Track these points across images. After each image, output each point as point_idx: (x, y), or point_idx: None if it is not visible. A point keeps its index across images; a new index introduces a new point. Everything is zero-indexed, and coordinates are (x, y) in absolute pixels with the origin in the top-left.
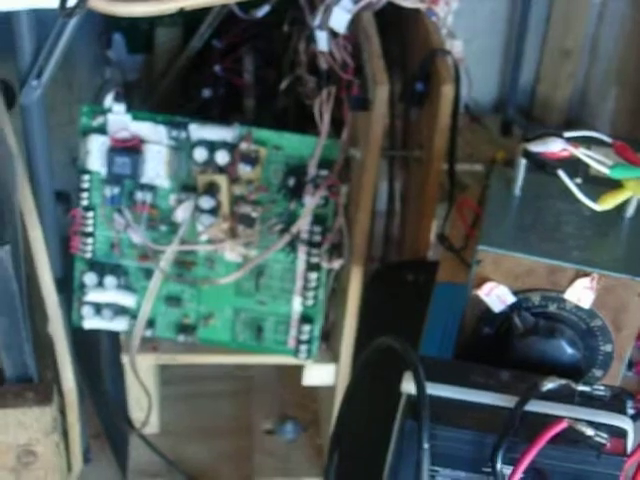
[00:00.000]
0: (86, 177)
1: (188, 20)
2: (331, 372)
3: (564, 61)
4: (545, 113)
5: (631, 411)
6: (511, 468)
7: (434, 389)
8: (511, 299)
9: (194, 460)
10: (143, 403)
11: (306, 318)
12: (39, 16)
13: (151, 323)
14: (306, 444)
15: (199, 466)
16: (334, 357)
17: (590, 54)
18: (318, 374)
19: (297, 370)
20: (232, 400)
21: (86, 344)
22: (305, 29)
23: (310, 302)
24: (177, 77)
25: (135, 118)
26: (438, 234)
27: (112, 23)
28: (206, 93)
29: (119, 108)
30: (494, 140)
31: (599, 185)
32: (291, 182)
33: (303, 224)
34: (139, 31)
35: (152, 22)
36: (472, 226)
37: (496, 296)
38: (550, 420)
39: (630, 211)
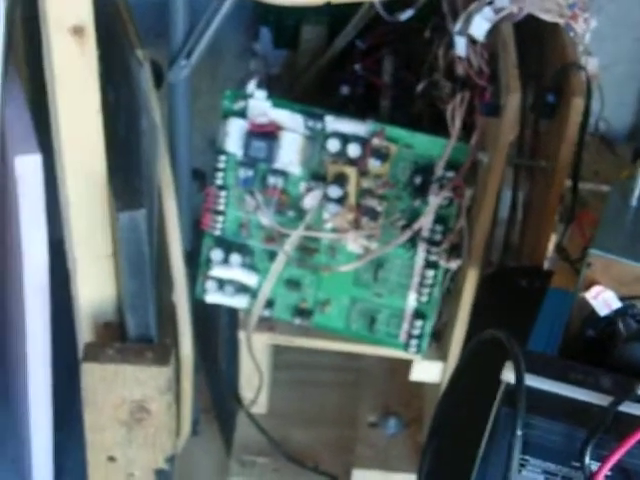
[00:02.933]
0: (222, 157)
1: (334, 19)
2: (439, 369)
3: None
4: None
5: None
6: (599, 464)
7: (533, 380)
8: (617, 304)
9: (297, 444)
10: (254, 382)
11: (419, 314)
12: (192, 1)
13: (270, 304)
14: (407, 440)
15: (301, 450)
16: (443, 355)
17: None
18: (426, 370)
19: (405, 367)
20: (339, 390)
21: (205, 320)
22: (446, 35)
23: (425, 298)
24: (319, 74)
25: (275, 105)
26: (556, 245)
27: (260, 17)
28: (345, 90)
29: (260, 94)
30: (624, 166)
31: None
32: (418, 180)
33: (425, 222)
34: (286, 27)
35: (299, 19)
36: (590, 240)
37: (603, 300)
38: None
39: None
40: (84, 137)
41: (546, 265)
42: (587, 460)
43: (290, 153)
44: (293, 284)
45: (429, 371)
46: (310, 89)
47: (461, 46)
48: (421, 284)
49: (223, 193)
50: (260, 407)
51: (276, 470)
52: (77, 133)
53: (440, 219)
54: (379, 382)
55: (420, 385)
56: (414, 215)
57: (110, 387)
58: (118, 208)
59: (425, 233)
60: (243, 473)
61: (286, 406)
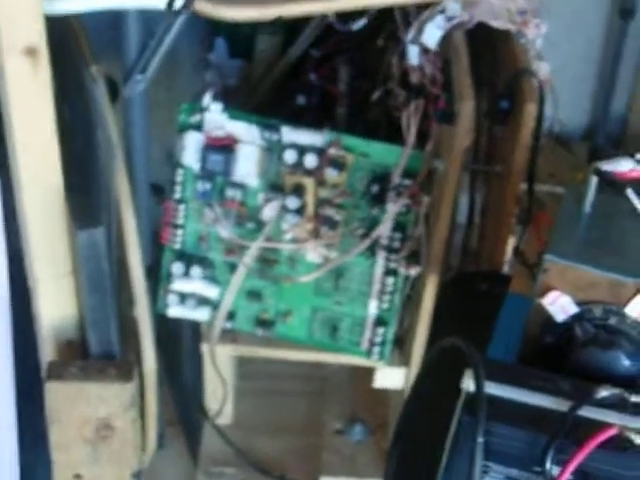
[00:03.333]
0: (180, 171)
1: (288, 29)
2: (402, 376)
3: None
4: (636, 143)
5: None
6: (560, 469)
7: (493, 388)
8: (574, 309)
9: (264, 453)
10: (219, 393)
11: (381, 321)
12: (145, 15)
13: (232, 315)
14: (373, 446)
15: (268, 459)
16: (405, 361)
17: None
18: (389, 377)
19: (369, 373)
20: (305, 399)
21: (167, 333)
22: (399, 44)
23: (386, 306)
24: (274, 83)
25: (231, 117)
26: (514, 248)
27: (215, 28)
28: (300, 100)
29: (216, 107)
30: (580, 166)
31: None
32: (375, 189)
33: (384, 230)
34: (240, 37)
35: (253, 29)
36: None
37: (559, 306)
38: (601, 426)
39: None
40: (40, 156)
41: (505, 269)
42: (548, 465)
43: (247, 165)
44: (254, 295)
45: (392, 378)
46: (266, 99)
47: (414, 55)
48: (381, 291)
49: (182, 206)
50: (226, 418)
51: None
52: (33, 152)
53: (398, 227)
54: (344, 390)
55: (384, 392)
56: (372, 223)
57: (74, 405)
58: (76, 226)
59: (384, 241)
60: None
61: (252, 416)
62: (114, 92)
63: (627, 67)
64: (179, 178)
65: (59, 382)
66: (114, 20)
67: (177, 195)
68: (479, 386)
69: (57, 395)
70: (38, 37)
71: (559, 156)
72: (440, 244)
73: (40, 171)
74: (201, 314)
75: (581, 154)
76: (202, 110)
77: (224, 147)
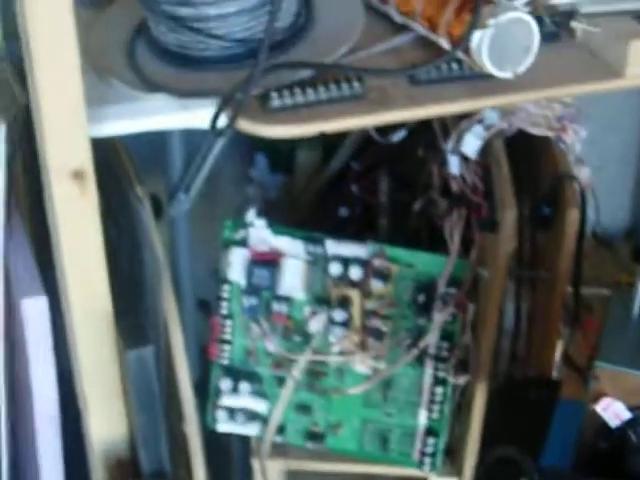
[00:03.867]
0: (226, 287)
1: (328, 143)
2: None
3: None
4: None
5: None
6: None
7: None
8: (627, 415)
9: None
10: None
11: (431, 431)
12: (189, 134)
13: (281, 429)
14: None
15: None
16: (457, 471)
17: None
18: None
19: None
20: None
21: (217, 448)
22: (438, 153)
23: (436, 415)
24: (316, 196)
25: (275, 232)
26: (562, 353)
27: (256, 143)
28: (343, 212)
29: (260, 223)
30: (624, 265)
31: None
32: (421, 298)
33: (431, 339)
34: (281, 152)
35: (293, 143)
36: (595, 347)
37: (612, 411)
38: None
39: None
40: (88, 277)
41: (554, 374)
42: None
43: (293, 279)
44: (303, 408)
45: None
46: (308, 212)
47: (454, 164)
48: (431, 401)
49: (228, 322)
50: None
51: None
52: (81, 274)
53: (445, 335)
54: None
55: None
56: (419, 333)
57: None
58: (125, 346)
59: (431, 350)
60: None
61: None
62: (158, 209)
63: None
64: (225, 294)
65: None
66: (158, 139)
67: (224, 311)
68: None
69: None
70: (85, 160)
71: (601, 257)
72: (487, 351)
73: (88, 292)
74: (251, 429)
75: (624, 254)
76: (246, 226)
77: (269, 262)
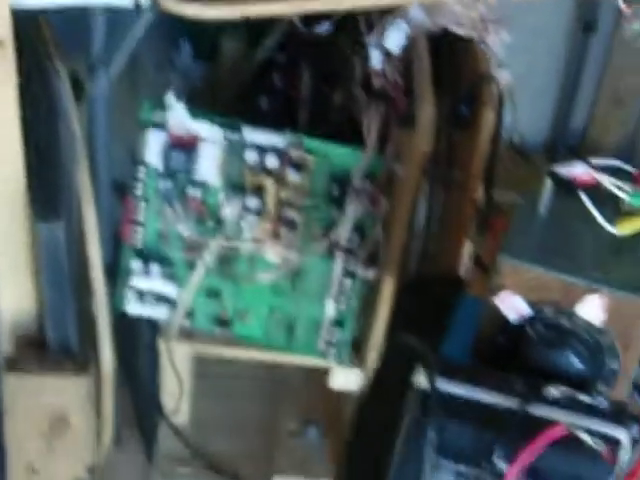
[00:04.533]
0: (142, 169)
1: (253, 32)
2: (357, 377)
3: (617, 107)
4: (596, 155)
5: (636, 435)
6: (508, 466)
7: (444, 385)
8: (526, 310)
9: (218, 453)
10: (175, 392)
11: (338, 322)
12: (113, 13)
13: (190, 314)
14: (327, 448)
15: (223, 459)
16: (361, 363)
17: None
18: (344, 378)
19: (325, 375)
20: (260, 400)
21: (127, 331)
22: (362, 48)
23: (343, 307)
24: (239, 86)
25: (193, 117)
26: (471, 253)
27: (179, 30)
28: (264, 103)
29: (179, 106)
30: (540, 177)
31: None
32: (335, 191)
33: (343, 232)
34: (205, 39)
35: (218, 32)
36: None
37: (512, 306)
38: (550, 424)
39: None
40: (2, 148)
41: (462, 273)
42: (496, 461)
43: (209, 164)
44: (213, 294)
45: (347, 379)
46: (230, 102)
47: (376, 59)
48: (339, 293)
49: (143, 204)
50: (182, 416)
51: (198, 479)
52: None
53: (357, 229)
54: (299, 391)
55: (340, 393)
56: (332, 225)
57: (30, 398)
58: (37, 220)
59: (342, 243)
60: None
61: (208, 416)
62: (80, 89)
63: (588, 80)
64: (141, 176)
65: (16, 375)
66: (81, 17)
67: (139, 192)
68: (431, 383)
69: (13, 388)
70: (5, 29)
71: (519, 167)
72: (398, 247)
73: (2, 164)
74: (160, 312)
75: (542, 166)
76: (165, 108)
77: (186, 146)
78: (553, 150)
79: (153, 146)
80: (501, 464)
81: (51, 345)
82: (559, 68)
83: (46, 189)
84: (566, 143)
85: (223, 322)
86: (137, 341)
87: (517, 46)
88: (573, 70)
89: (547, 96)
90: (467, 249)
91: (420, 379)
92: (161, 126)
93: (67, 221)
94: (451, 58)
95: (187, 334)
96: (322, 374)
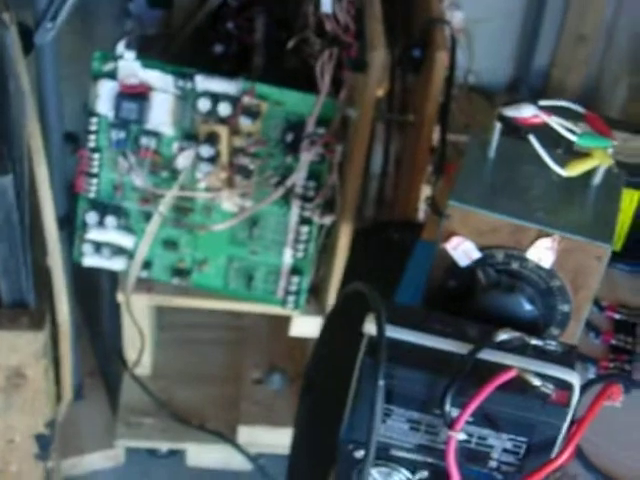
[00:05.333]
0: (94, 120)
1: None
2: (317, 324)
3: (579, 46)
4: (557, 96)
5: (592, 376)
6: (459, 411)
7: (394, 332)
8: (476, 254)
9: (183, 403)
10: (137, 344)
11: (296, 270)
12: None
13: (148, 265)
14: (292, 395)
15: (187, 409)
16: (321, 310)
17: (605, 41)
18: (305, 325)
19: (287, 323)
20: (224, 349)
21: (87, 284)
22: None
23: (300, 255)
24: (193, 33)
25: (145, 66)
26: (426, 197)
27: None
28: (218, 49)
29: (129, 55)
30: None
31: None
32: (289, 137)
33: (298, 178)
34: None
35: None
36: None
37: (462, 251)
38: (500, 368)
39: (597, 179)
40: None
41: (420, 218)
42: (447, 407)
43: (161, 114)
44: (170, 244)
45: (308, 326)
46: (185, 49)
47: (327, 3)
48: (296, 240)
49: (96, 155)
50: (144, 368)
51: (163, 430)
52: None
53: (312, 175)
54: (263, 339)
55: (303, 340)
56: (287, 172)
57: None
58: None
59: (298, 190)
60: (130, 434)
61: (171, 366)
62: (29, 43)
63: (550, 21)
64: (93, 127)
65: None
66: None
67: (91, 144)
68: (380, 329)
69: None
70: None
71: (479, 108)
72: (353, 193)
73: None
74: (117, 263)
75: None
76: (115, 58)
77: (138, 95)
78: (516, 91)
79: (104, 96)
80: (453, 410)
81: (5, 300)
82: (521, 7)
83: None
84: (529, 84)
85: (181, 272)
86: (98, 295)
87: None
88: (534, 9)
89: (509, 36)
90: (423, 193)
91: (369, 326)
92: (112, 75)
93: (17, 175)
94: (403, 1)
95: (145, 285)
96: (285, 321)
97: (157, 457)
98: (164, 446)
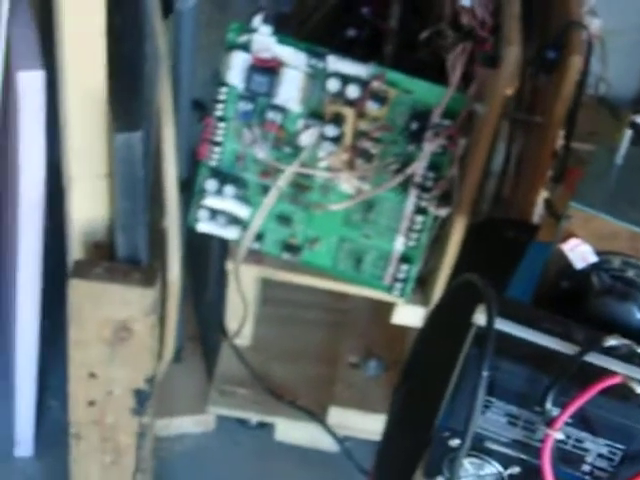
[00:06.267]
0: (224, 89)
1: None
2: (421, 314)
3: None
4: None
5: None
6: (560, 410)
7: (503, 325)
8: (593, 258)
9: (278, 378)
10: (240, 314)
11: (406, 258)
12: None
13: (260, 237)
14: (386, 383)
15: (281, 384)
16: (426, 300)
17: None
18: (408, 314)
19: (389, 310)
20: (324, 329)
21: (199, 250)
22: None
23: (412, 243)
24: (327, 15)
25: (279, 42)
26: (545, 200)
27: None
28: (351, 33)
29: (265, 30)
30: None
31: None
32: (414, 126)
33: (418, 167)
34: None
35: None
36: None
37: (579, 253)
38: (606, 373)
39: None
40: (87, 57)
41: (535, 220)
42: (548, 405)
43: (290, 90)
44: (284, 219)
45: (411, 315)
46: (318, 30)
47: None
48: (410, 229)
49: (222, 124)
50: (244, 339)
51: (255, 402)
52: (80, 53)
53: (433, 166)
54: (363, 324)
55: (403, 329)
56: (408, 160)
57: (95, 305)
58: (115, 129)
59: (417, 179)
60: (222, 402)
61: (270, 340)
62: (168, 6)
63: None
64: (222, 96)
65: (83, 280)
66: None
67: (218, 113)
68: (489, 320)
69: (79, 293)
70: None
71: (604, 118)
72: (472, 187)
73: (85, 72)
74: (230, 232)
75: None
76: (251, 31)
77: (269, 69)
78: None
79: (236, 67)
80: (553, 409)
81: (120, 254)
82: None
83: (127, 101)
84: None
85: (292, 248)
86: (208, 262)
87: (614, 2)
88: None
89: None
90: (542, 196)
91: (479, 317)
92: (246, 47)
93: (145, 133)
94: (543, 2)
95: (255, 257)
96: (387, 308)
97: (247, 428)
98: (254, 418)
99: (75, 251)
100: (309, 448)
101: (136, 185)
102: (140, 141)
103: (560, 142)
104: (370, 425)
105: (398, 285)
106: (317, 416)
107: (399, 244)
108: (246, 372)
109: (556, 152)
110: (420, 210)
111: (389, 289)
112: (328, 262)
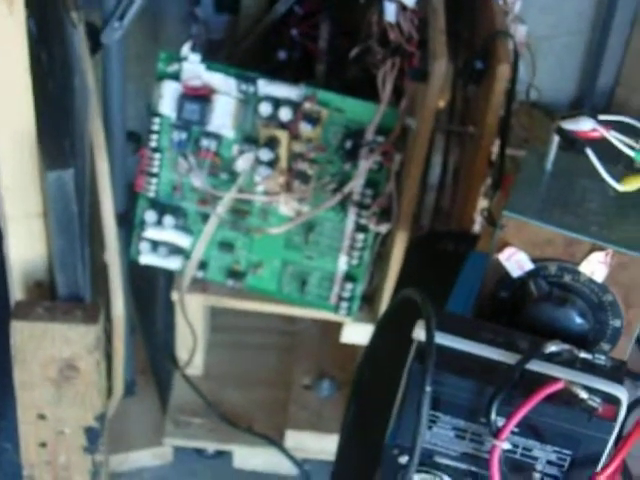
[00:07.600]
0: (157, 120)
1: None
2: (368, 332)
3: None
4: (622, 115)
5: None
6: (505, 421)
7: (443, 339)
8: (529, 266)
9: (232, 405)
10: (189, 343)
11: (350, 277)
12: None
13: (203, 265)
14: (340, 402)
15: (236, 411)
16: (373, 317)
17: None
18: (356, 332)
19: (339, 329)
20: (275, 353)
21: (143, 282)
22: (379, 1)
23: (355, 262)
24: (258, 39)
25: (208, 68)
26: (482, 209)
27: None
28: (282, 55)
29: (194, 57)
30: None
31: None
32: (348, 145)
33: (355, 186)
34: None
35: None
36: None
37: (515, 261)
38: (548, 380)
39: None
40: (12, 95)
41: (476, 229)
42: (493, 416)
43: (223, 116)
44: (226, 246)
45: (360, 333)
46: (249, 54)
47: (391, 12)
48: (352, 247)
49: (157, 155)
50: (196, 369)
51: (211, 430)
52: (6, 92)
53: (370, 183)
54: (314, 345)
55: (353, 348)
56: (345, 179)
57: (38, 345)
58: (46, 167)
59: (355, 197)
60: (178, 433)
61: (222, 368)
62: (96, 42)
63: (616, 40)
64: (155, 127)
65: (25, 321)
66: None
67: (153, 143)
68: (429, 335)
69: (22, 334)
70: None
71: (540, 124)
72: (410, 202)
73: (12, 110)
74: (173, 263)
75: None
76: (180, 60)
77: (201, 97)
78: (579, 109)
79: (167, 97)
80: (498, 419)
81: (60, 293)
82: (586, 27)
83: (57, 138)
84: (593, 102)
85: (236, 274)
86: (154, 293)
87: (544, 5)
88: (600, 27)
89: (574, 55)
90: (480, 205)
91: (419, 332)
92: (176, 76)
93: (78, 170)
94: (468, 13)
95: (200, 286)
96: (336, 328)
97: (204, 457)
98: (211, 447)
99: (16, 292)
100: (269, 473)
101: (71, 222)
102: (72, 178)
103: (495, 151)
104: (327, 446)
105: (344, 304)
106: (274, 441)
107: (342, 263)
108: (200, 401)
109: (492, 161)
110: (360, 228)
111: (335, 309)
112: (273, 286)
